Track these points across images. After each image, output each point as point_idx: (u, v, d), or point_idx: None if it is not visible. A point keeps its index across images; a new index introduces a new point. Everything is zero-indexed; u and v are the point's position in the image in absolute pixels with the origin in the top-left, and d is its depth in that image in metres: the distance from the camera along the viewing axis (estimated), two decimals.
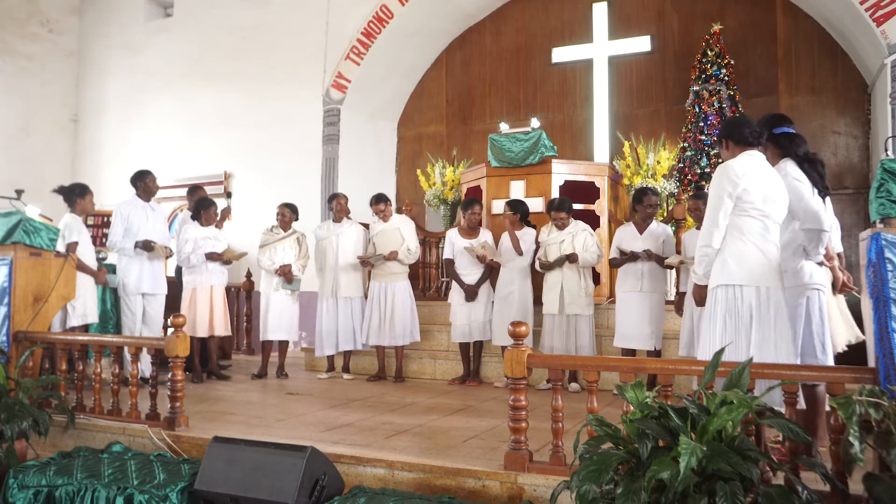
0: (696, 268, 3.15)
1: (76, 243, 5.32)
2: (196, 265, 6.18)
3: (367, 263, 6.25)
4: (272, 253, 6.39)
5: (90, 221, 7.99)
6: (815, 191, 3.25)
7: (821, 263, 3.29)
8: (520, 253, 5.84)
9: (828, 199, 3.46)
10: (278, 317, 6.39)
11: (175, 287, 6.45)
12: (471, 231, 6.11)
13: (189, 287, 6.22)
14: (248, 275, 8.33)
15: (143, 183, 6.00)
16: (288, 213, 6.52)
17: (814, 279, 3.26)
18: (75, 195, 5.63)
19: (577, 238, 5.63)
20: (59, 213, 5.68)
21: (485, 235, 6.11)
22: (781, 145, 3.35)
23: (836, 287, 3.42)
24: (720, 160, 7.08)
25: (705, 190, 5.37)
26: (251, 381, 6.26)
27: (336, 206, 6.41)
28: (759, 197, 3.00)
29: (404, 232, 6.27)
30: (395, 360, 6.27)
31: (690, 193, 6.32)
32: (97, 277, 5.60)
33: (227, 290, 6.67)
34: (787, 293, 3.20)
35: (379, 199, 6.31)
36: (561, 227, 5.68)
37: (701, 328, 3.14)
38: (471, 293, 5.95)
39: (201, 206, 6.35)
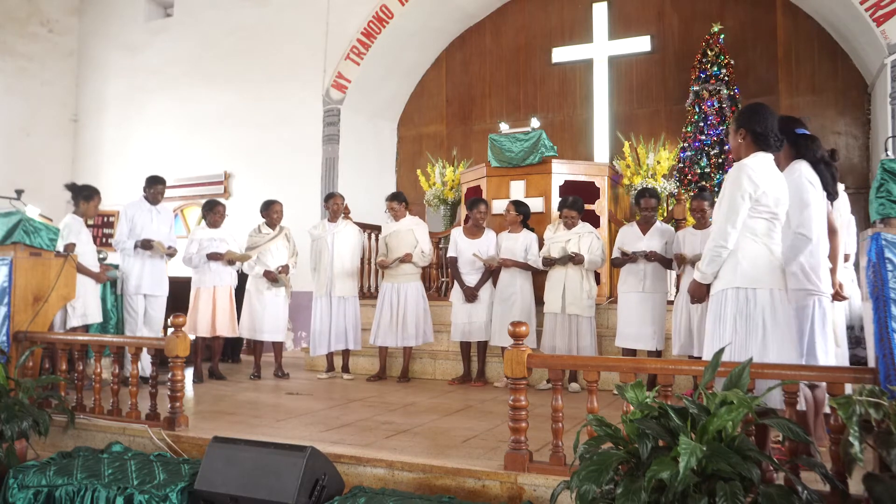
0: (703, 266, 3.10)
1: (73, 244, 5.31)
2: (198, 265, 6.21)
3: (385, 265, 6.23)
4: (264, 255, 6.32)
5: (90, 221, 7.99)
6: (825, 193, 3.25)
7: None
8: (526, 268, 5.86)
9: (844, 197, 3.45)
10: (273, 318, 6.33)
11: (178, 287, 6.45)
12: (475, 231, 6.10)
13: (194, 287, 6.27)
14: None
15: (153, 189, 6.03)
16: (281, 209, 6.48)
17: (822, 282, 3.25)
18: (81, 197, 5.64)
19: (583, 239, 5.64)
20: (59, 213, 5.68)
21: (489, 236, 6.10)
22: (800, 147, 3.34)
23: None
24: (721, 158, 7.18)
25: (706, 192, 5.35)
26: (251, 381, 6.26)
27: (332, 206, 6.37)
28: (773, 199, 2.99)
29: (418, 234, 6.22)
30: (403, 359, 6.26)
31: (693, 193, 6.30)
32: (97, 278, 5.59)
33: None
34: (795, 294, 3.19)
35: (395, 198, 6.29)
36: (569, 226, 5.70)
37: (707, 329, 3.11)
38: (469, 295, 5.95)
39: (206, 207, 6.41)
